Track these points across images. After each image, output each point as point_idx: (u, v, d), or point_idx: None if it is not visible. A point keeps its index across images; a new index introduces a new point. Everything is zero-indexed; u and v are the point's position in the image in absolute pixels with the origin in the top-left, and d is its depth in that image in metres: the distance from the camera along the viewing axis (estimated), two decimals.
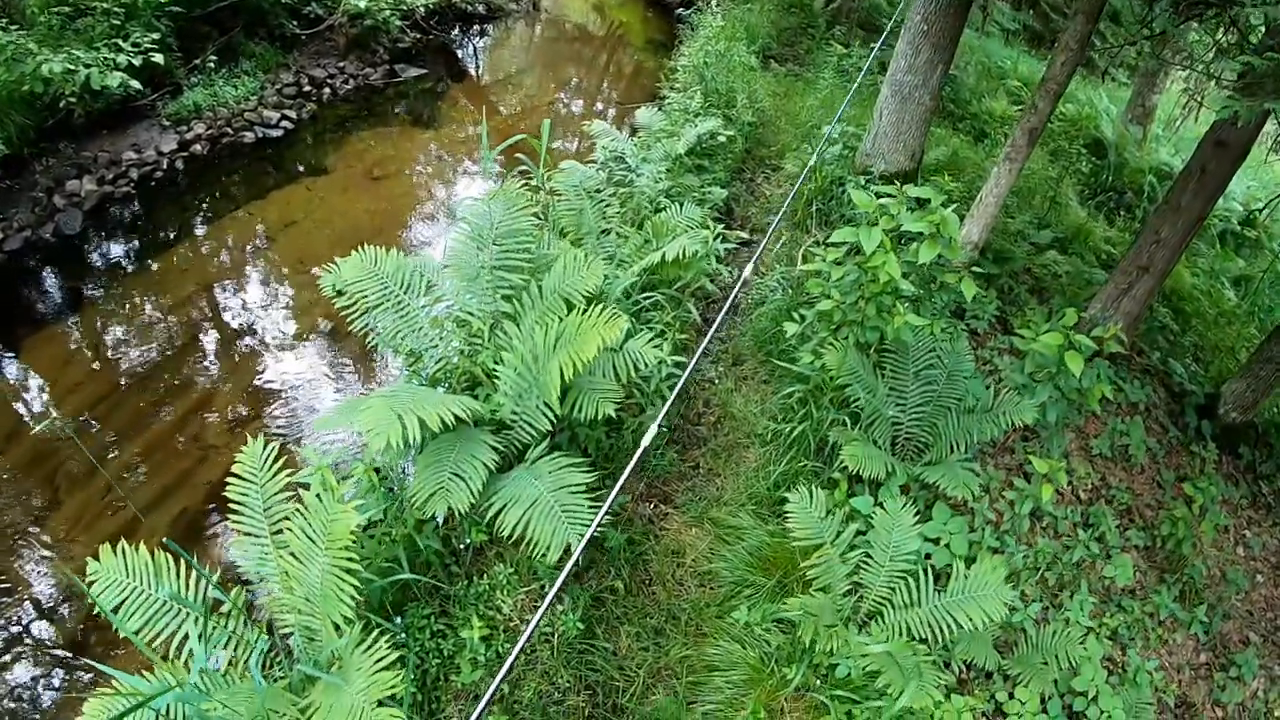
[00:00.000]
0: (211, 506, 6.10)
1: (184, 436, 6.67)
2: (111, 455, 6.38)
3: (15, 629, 5.34)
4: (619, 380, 4.70)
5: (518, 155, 6.10)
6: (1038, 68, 14.73)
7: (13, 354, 7.16)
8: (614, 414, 4.45)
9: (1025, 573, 5.44)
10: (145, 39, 9.32)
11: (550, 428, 4.51)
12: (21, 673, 5.14)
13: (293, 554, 4.00)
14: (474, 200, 5.24)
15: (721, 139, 8.30)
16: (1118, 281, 7.40)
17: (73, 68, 8.53)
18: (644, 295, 5.90)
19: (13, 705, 4.99)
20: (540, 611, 2.16)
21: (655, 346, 4.81)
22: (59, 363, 7.16)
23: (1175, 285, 9.24)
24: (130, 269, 8.31)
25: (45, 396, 6.93)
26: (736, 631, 4.64)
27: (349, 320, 5.16)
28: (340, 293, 5.15)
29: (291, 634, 4.12)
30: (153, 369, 7.16)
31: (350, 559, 3.78)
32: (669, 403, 3.16)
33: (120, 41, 9.16)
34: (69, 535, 5.86)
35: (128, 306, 7.78)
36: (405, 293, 5.13)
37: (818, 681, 4.31)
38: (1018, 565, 5.41)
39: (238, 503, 4.35)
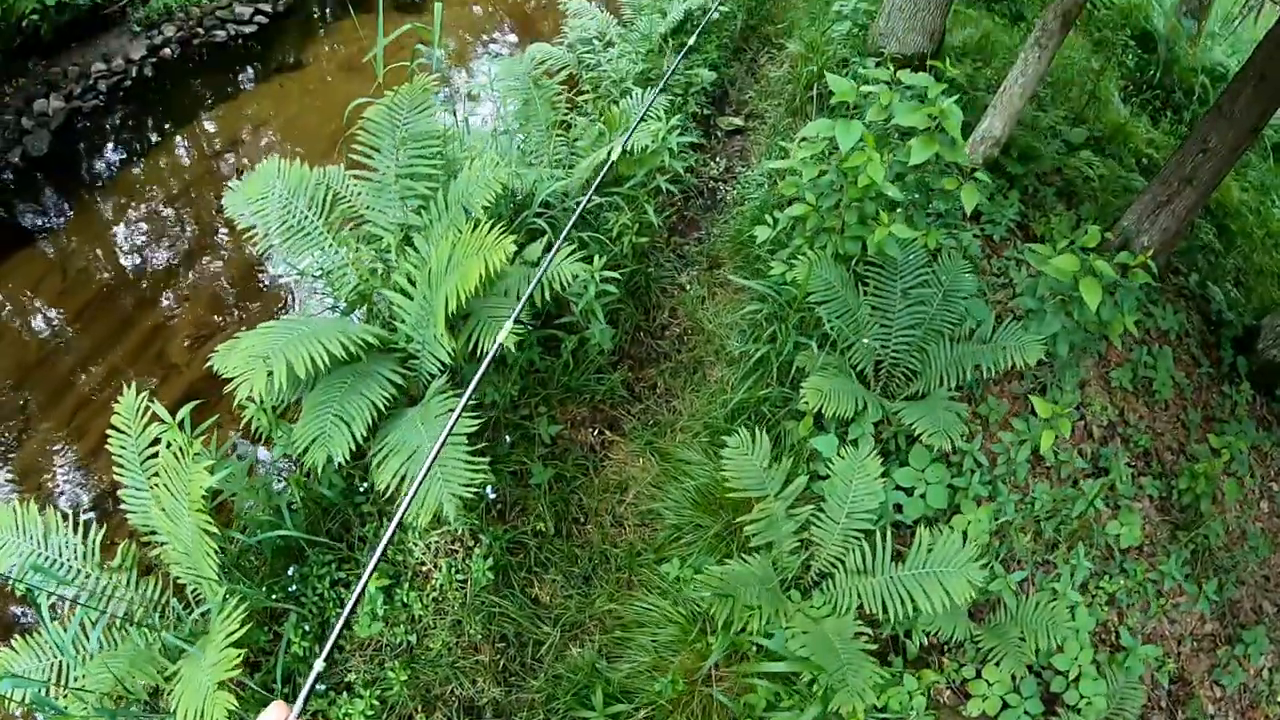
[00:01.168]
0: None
1: (147, 357, 6.31)
2: (76, 381, 6.08)
3: None
4: (533, 303, 3.97)
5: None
6: None
7: None
8: (513, 347, 3.70)
9: (1016, 528, 4.64)
10: None
11: (449, 360, 3.79)
12: None
13: (163, 510, 3.54)
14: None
15: (715, 15, 7.32)
16: (1156, 192, 6.39)
17: None
18: (607, 194, 5.10)
19: None
20: (360, 585, 1.58)
21: (581, 260, 4.02)
22: (27, 286, 6.78)
23: (1221, 199, 8.12)
24: (95, 187, 7.76)
25: (16, 322, 6.57)
26: (667, 585, 3.98)
27: (254, 243, 4.51)
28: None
29: (186, 586, 3.72)
30: (116, 289, 6.76)
31: (207, 520, 3.31)
32: (522, 303, 2.44)
33: None
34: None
35: (90, 229, 7.29)
36: (310, 208, 4.41)
37: (752, 650, 3.64)
38: (1009, 517, 4.61)
39: (117, 456, 3.89)
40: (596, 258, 4.18)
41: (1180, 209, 6.28)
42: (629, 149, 4.52)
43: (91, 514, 5.27)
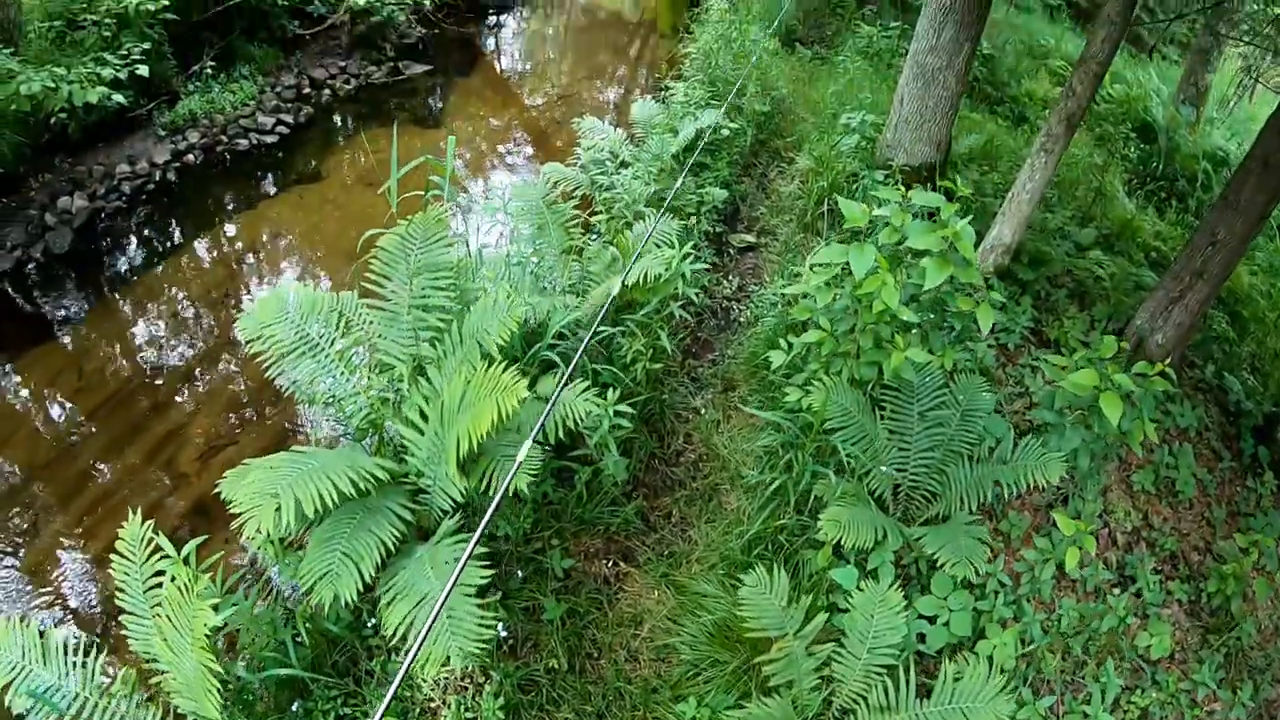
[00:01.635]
0: (180, 533, 5.48)
1: (158, 463, 6.16)
2: (88, 485, 5.94)
3: None
4: (546, 439, 3.87)
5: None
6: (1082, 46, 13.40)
7: None
8: (525, 489, 3.58)
9: (1044, 649, 4.45)
10: (136, 49, 8.75)
11: (461, 499, 3.69)
12: None
13: (166, 641, 3.40)
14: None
15: (726, 133, 7.32)
16: (1169, 288, 6.33)
17: (53, 86, 7.99)
18: (620, 321, 5.02)
19: None
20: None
21: (592, 396, 3.93)
22: (42, 385, 6.72)
23: (1232, 285, 8.01)
24: (114, 286, 7.76)
25: (30, 423, 6.47)
26: None
27: (265, 369, 4.44)
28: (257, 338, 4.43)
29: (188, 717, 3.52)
30: (131, 391, 6.65)
31: (210, 658, 3.17)
32: (526, 444, 2.34)
33: (107, 54, 8.60)
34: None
35: (107, 328, 7.26)
36: (322, 335, 4.36)
37: None
38: (1034, 638, 4.42)
39: (120, 582, 3.76)
40: (610, 391, 4.10)
41: (1193, 303, 6.18)
42: (641, 278, 4.45)
43: (96, 616, 5.16)
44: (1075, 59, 12.62)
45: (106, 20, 8.86)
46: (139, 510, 3.80)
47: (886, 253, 4.49)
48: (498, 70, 12.33)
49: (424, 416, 3.89)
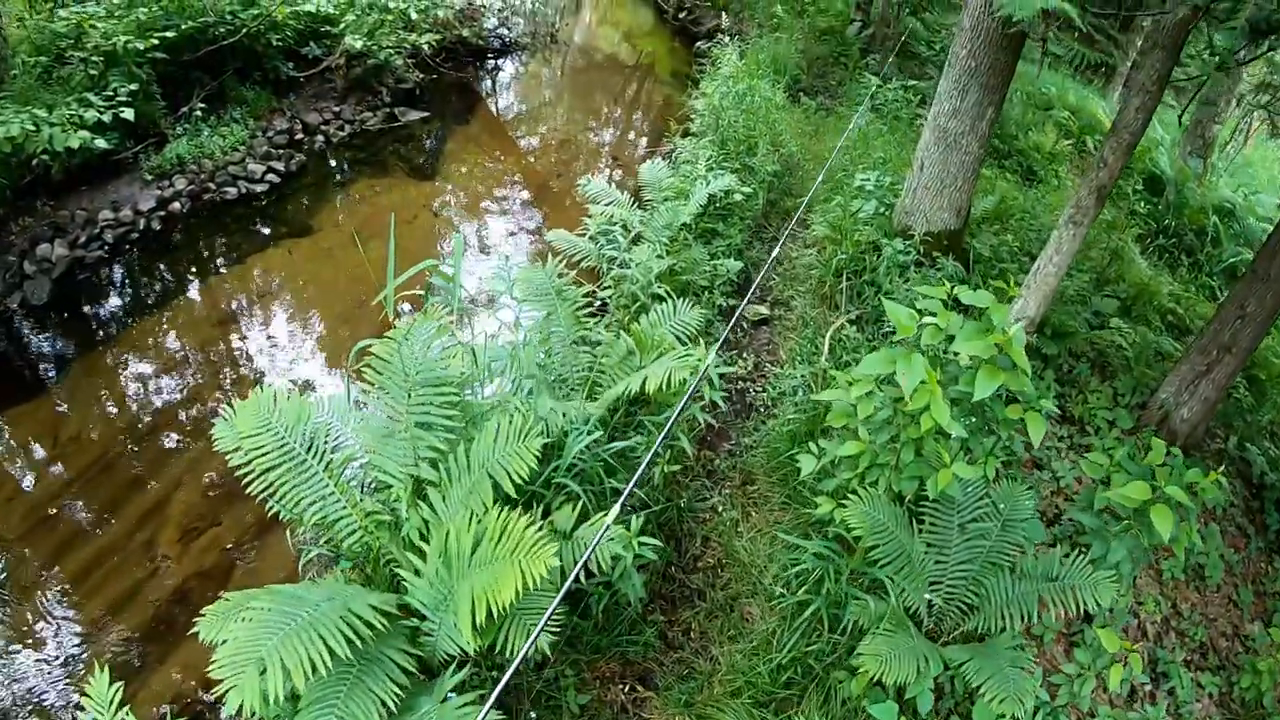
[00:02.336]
0: (159, 626, 5.15)
1: (136, 543, 5.68)
2: (62, 562, 5.48)
3: None
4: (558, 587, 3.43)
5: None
6: (1087, 95, 13.11)
7: None
8: (547, 650, 3.14)
9: None
10: (124, 89, 8.30)
11: (470, 653, 3.23)
12: None
13: None
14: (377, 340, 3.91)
15: (738, 197, 6.91)
16: (1195, 362, 6.04)
17: (33, 128, 7.52)
18: (626, 428, 4.59)
19: None
20: None
21: (617, 532, 3.49)
22: (15, 451, 6.25)
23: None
24: (92, 344, 7.24)
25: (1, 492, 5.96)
26: None
27: (246, 484, 3.89)
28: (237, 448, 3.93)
29: None
30: (109, 462, 6.15)
31: None
32: (563, 590, 1.90)
33: (92, 95, 8.13)
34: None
35: (86, 390, 6.76)
36: (308, 450, 3.86)
37: None
38: None
39: None
40: (635, 519, 3.65)
41: (1220, 377, 5.93)
42: (665, 383, 4.00)
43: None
44: (1080, 109, 12.46)
45: (94, 58, 8.41)
46: (107, 669, 3.32)
47: (930, 354, 4.10)
48: (496, 116, 11.87)
49: (423, 554, 3.43)
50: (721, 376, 5.73)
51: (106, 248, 8.08)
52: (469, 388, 4.01)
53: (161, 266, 8.06)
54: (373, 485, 3.87)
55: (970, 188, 6.94)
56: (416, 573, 3.36)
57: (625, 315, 5.42)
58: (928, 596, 4.04)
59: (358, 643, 3.07)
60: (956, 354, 3.98)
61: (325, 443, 3.81)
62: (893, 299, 6.30)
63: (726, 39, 9.94)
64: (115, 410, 6.61)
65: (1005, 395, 4.24)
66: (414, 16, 10.23)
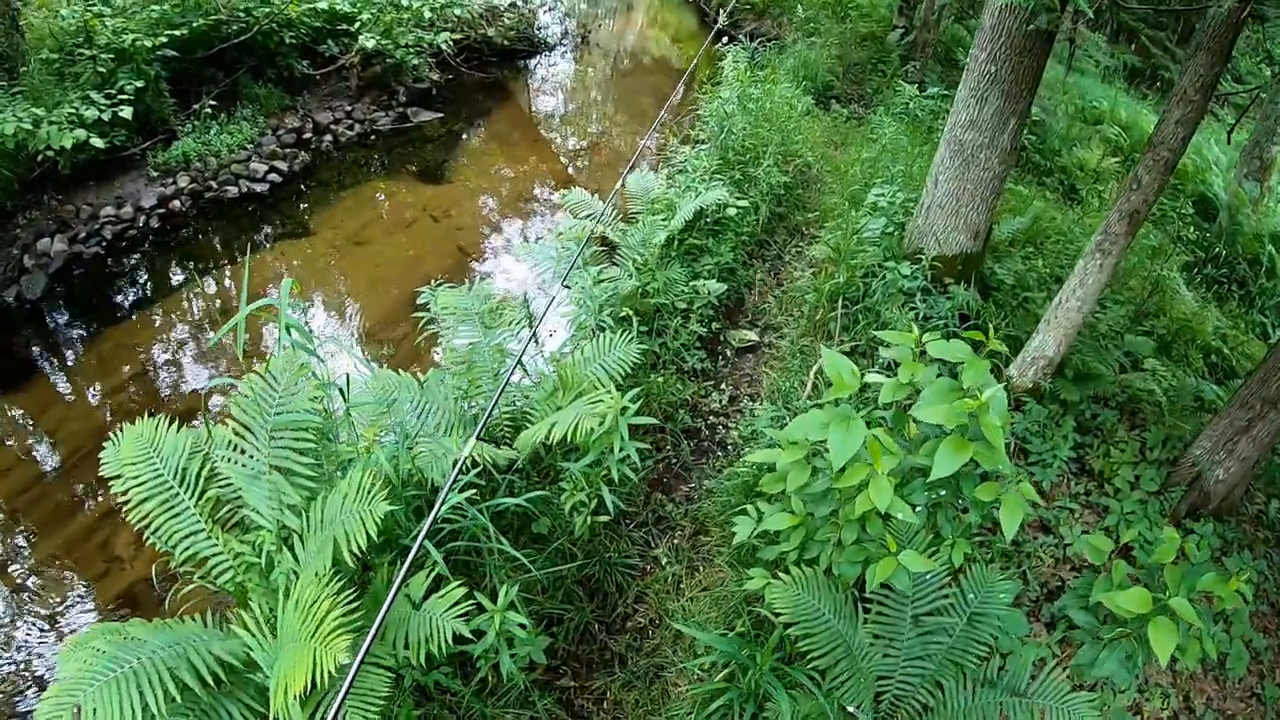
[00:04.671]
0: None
1: (91, 544, 5.31)
2: (21, 559, 5.16)
3: None
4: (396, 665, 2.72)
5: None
6: (1141, 111, 11.88)
7: None
8: None
9: None
10: (130, 86, 7.85)
11: None
12: None
13: None
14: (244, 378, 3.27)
15: (732, 211, 6.05)
16: (1235, 417, 5.02)
17: (30, 127, 7.11)
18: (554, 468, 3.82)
19: None
20: None
21: (466, 607, 2.75)
22: None
23: None
24: (78, 342, 6.85)
25: None
26: None
27: (126, 514, 3.40)
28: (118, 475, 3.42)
29: None
30: (80, 460, 5.76)
31: None
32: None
33: (94, 93, 7.69)
34: None
35: (67, 386, 6.42)
36: (181, 484, 3.28)
37: None
38: None
39: None
40: (506, 589, 2.90)
41: (1263, 435, 4.94)
42: (570, 432, 3.26)
43: None
44: (1132, 125, 11.27)
45: (103, 55, 7.97)
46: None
47: (890, 417, 3.28)
48: (515, 119, 11.10)
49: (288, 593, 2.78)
50: (692, 409, 4.95)
51: (104, 244, 7.67)
52: (337, 431, 3.32)
53: (155, 265, 7.61)
54: (245, 525, 3.24)
55: (990, 207, 6.01)
56: (252, 634, 2.70)
57: (575, 342, 4.68)
58: (854, 710, 3.19)
59: (178, 697, 2.47)
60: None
61: (197, 476, 3.24)
62: (891, 329, 5.44)
63: (743, 41, 9.02)
64: (94, 407, 6.24)
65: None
66: (428, 15, 9.56)
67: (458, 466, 2.62)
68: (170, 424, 3.44)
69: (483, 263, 7.71)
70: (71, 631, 4.78)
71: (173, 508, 3.29)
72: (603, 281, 4.60)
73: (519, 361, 3.83)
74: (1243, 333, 7.67)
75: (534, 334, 3.89)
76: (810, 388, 4.96)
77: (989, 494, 3.27)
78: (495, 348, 3.95)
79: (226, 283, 7.32)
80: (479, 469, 3.40)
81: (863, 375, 3.02)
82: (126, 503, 3.40)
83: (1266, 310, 8.43)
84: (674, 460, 4.73)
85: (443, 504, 2.26)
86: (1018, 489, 3.25)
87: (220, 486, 3.28)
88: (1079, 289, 5.28)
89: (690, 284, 5.34)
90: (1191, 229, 8.94)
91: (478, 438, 2.66)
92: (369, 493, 2.79)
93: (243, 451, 3.19)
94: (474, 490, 3.36)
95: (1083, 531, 5.11)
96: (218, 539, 3.20)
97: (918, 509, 3.36)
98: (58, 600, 4.95)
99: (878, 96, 10.31)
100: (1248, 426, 4.93)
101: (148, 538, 3.40)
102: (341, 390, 3.26)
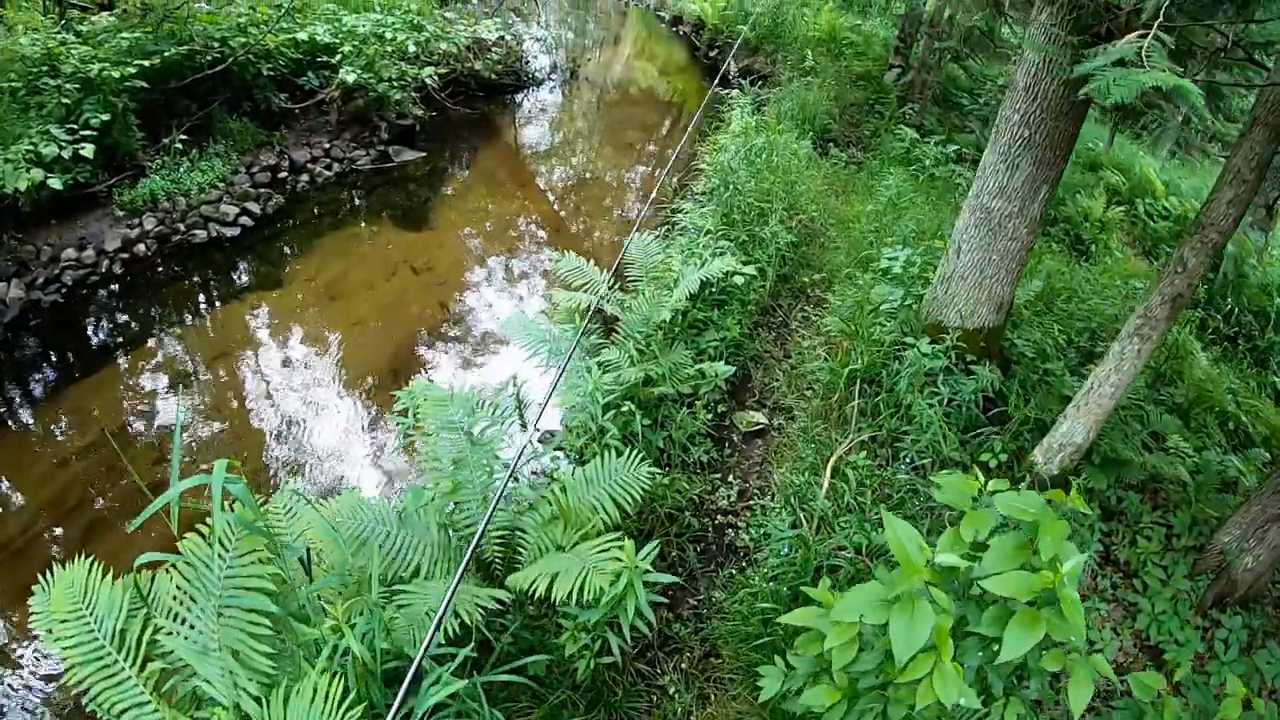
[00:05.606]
0: None
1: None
2: None
3: None
4: None
5: None
6: (1136, 152, 11.50)
7: None
8: None
9: None
10: (96, 119, 7.21)
11: None
12: None
13: None
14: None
15: (739, 279, 5.49)
16: (1266, 504, 4.60)
17: None
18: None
19: None
20: None
21: None
22: None
23: None
24: (27, 402, 6.13)
25: None
26: None
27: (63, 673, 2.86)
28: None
29: None
30: (29, 543, 5.08)
31: None
32: None
33: (55, 129, 7.04)
34: None
35: (14, 452, 5.68)
36: (120, 649, 2.71)
37: None
38: None
39: None
40: None
41: None
42: (576, 588, 2.72)
43: None
44: (1127, 167, 10.87)
45: (68, 86, 7.32)
46: None
47: (950, 600, 2.77)
48: (502, 158, 10.41)
49: None
50: (698, 507, 4.39)
51: (64, 290, 7.01)
52: (302, 604, 2.75)
53: (114, 318, 6.93)
54: (198, 696, 2.66)
55: (1015, 279, 5.53)
56: None
57: (576, 445, 4.12)
58: None
59: None
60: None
61: (142, 641, 2.67)
62: (916, 421, 4.93)
63: (745, 86, 8.47)
64: (32, 488, 5.46)
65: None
66: (412, 49, 8.94)
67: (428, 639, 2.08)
68: (104, 574, 2.86)
69: (466, 324, 7.05)
70: None
71: (113, 675, 2.71)
72: (606, 374, 4.04)
73: (511, 474, 3.29)
74: (1255, 394, 7.26)
75: (525, 445, 3.34)
76: (827, 484, 4.44)
77: (1055, 663, 2.77)
78: (484, 466, 3.38)
79: (193, 340, 6.65)
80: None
81: (933, 551, 2.50)
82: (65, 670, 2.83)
83: (1278, 370, 8.02)
84: (679, 568, 4.18)
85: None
86: (1088, 661, 2.76)
87: (164, 657, 2.70)
88: (1114, 374, 4.82)
89: (696, 366, 4.79)
90: (1201, 285, 8.51)
91: (446, 606, 2.12)
92: (338, 704, 2.24)
93: (189, 624, 2.62)
94: (463, 650, 2.81)
95: (1113, 631, 4.68)
96: (166, 716, 2.63)
97: (966, 666, 2.87)
98: None
99: (875, 140, 9.82)
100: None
101: (87, 704, 2.82)
102: (303, 560, 2.71)
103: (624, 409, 4.15)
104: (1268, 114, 4.06)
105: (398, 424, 3.93)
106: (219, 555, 2.75)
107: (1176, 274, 4.46)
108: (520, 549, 3.41)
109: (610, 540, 2.95)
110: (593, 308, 4.61)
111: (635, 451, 3.47)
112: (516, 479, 3.88)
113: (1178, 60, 5.08)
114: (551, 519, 3.26)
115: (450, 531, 3.30)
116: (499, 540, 3.45)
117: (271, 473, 5.42)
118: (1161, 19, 3.10)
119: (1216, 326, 8.42)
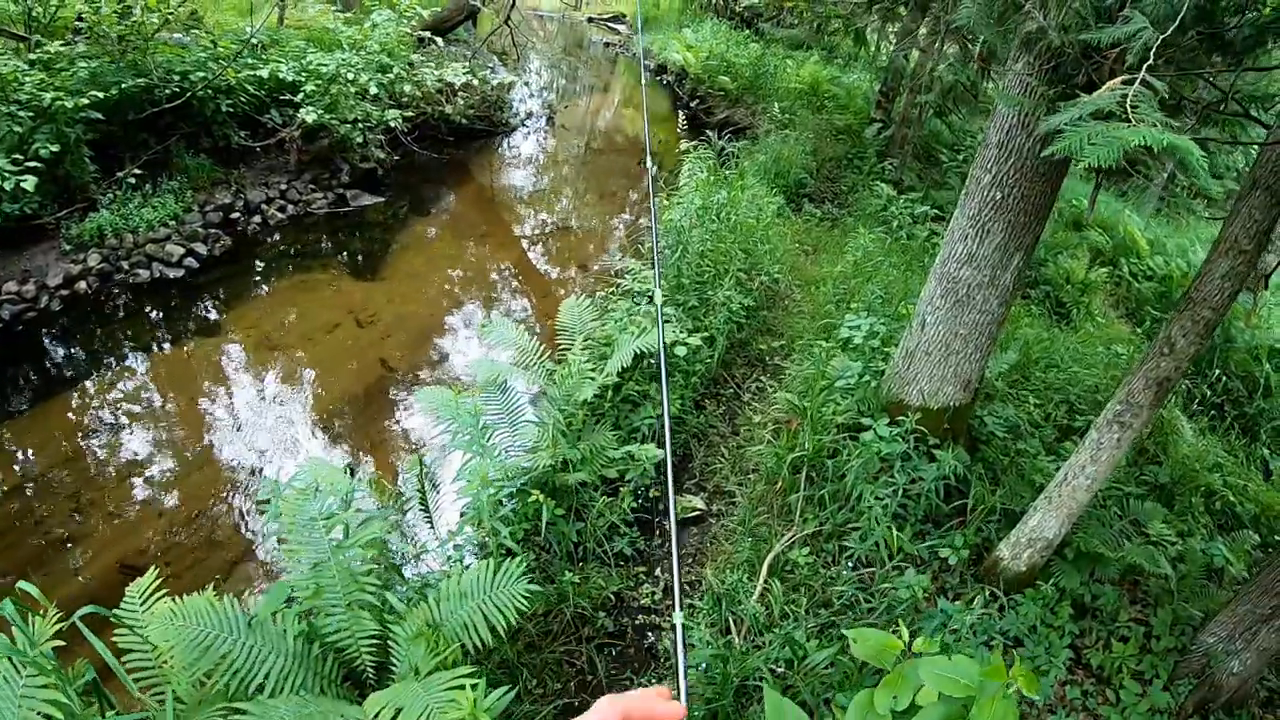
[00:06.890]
0: None
1: None
2: None
3: None
4: None
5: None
6: (1120, 208, 11.00)
7: None
8: None
9: None
10: (45, 150, 6.73)
11: None
12: None
13: None
14: None
15: (681, 350, 4.92)
16: (1256, 604, 4.10)
17: None
18: None
19: None
20: None
21: None
22: None
23: None
24: None
25: None
26: None
27: None
28: None
29: None
30: None
31: None
32: None
33: (0, 159, 6.56)
34: None
35: None
36: None
37: None
38: None
39: None
40: None
41: None
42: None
43: None
44: (1111, 224, 10.35)
45: (20, 114, 6.84)
46: None
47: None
48: (469, 206, 9.83)
49: None
50: (619, 602, 3.78)
51: (0, 325, 6.47)
52: None
53: (48, 360, 6.39)
54: None
55: (985, 355, 4.96)
56: None
57: (478, 538, 3.54)
58: None
59: None
60: None
61: None
62: (865, 516, 4.33)
63: (712, 139, 7.95)
64: None
65: None
66: (374, 90, 8.46)
67: None
68: None
69: (405, 386, 6.40)
70: None
71: None
72: (511, 459, 3.46)
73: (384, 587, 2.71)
74: (1243, 468, 6.68)
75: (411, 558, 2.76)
76: (762, 583, 3.85)
77: None
78: (347, 571, 2.80)
79: (113, 391, 6.05)
80: None
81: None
82: None
83: (1266, 439, 7.44)
84: (588, 676, 3.57)
85: None
86: None
87: None
88: (1089, 465, 4.26)
89: (624, 449, 4.20)
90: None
91: None
92: None
93: None
94: None
95: None
96: None
97: None
98: None
99: (853, 195, 9.30)
100: (1270, 616, 4.00)
101: None
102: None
103: (531, 499, 3.57)
104: (1269, 176, 3.53)
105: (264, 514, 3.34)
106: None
107: (1163, 355, 3.92)
108: (394, 661, 2.84)
109: (461, 676, 2.38)
110: (509, 379, 4.05)
111: (518, 561, 2.89)
112: (401, 576, 3.30)
113: (1166, 115, 4.56)
114: (417, 635, 2.69)
115: (309, 640, 2.73)
116: (370, 650, 2.87)
117: (153, 552, 4.78)
118: (1148, 66, 2.55)
119: (1202, 394, 7.86)
